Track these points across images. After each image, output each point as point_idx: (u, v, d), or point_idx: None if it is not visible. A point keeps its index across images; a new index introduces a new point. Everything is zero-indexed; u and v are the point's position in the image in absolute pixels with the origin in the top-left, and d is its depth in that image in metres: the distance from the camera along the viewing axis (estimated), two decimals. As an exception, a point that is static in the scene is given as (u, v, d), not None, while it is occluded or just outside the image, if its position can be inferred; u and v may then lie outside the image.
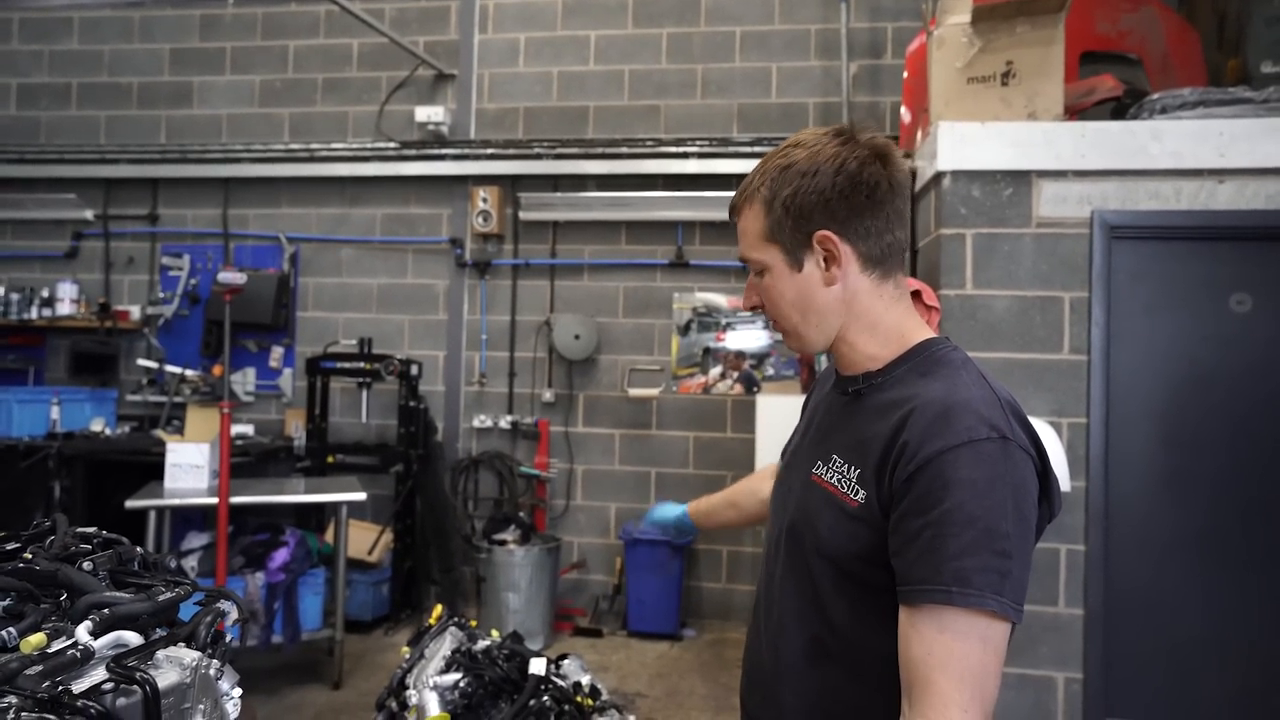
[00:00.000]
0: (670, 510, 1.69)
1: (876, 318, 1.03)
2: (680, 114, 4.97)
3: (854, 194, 0.99)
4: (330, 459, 4.74)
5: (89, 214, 5.56)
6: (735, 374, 4.90)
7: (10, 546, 1.03)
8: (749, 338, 4.90)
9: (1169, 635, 2.74)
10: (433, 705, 1.88)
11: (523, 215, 5.03)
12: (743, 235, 1.07)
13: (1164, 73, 3.32)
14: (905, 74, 3.85)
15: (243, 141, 5.39)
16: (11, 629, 0.87)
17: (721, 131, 4.89)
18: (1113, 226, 2.71)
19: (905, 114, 3.81)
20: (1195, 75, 3.31)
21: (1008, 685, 2.64)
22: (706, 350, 4.92)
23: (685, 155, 4.83)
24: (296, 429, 4.97)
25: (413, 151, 5.12)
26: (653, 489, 4.92)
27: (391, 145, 5.15)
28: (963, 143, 2.70)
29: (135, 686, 0.84)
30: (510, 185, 5.07)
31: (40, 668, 0.81)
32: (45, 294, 5.47)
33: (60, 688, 0.78)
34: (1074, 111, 2.93)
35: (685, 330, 4.92)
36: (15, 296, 5.48)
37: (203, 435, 4.52)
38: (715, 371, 4.90)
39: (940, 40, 2.83)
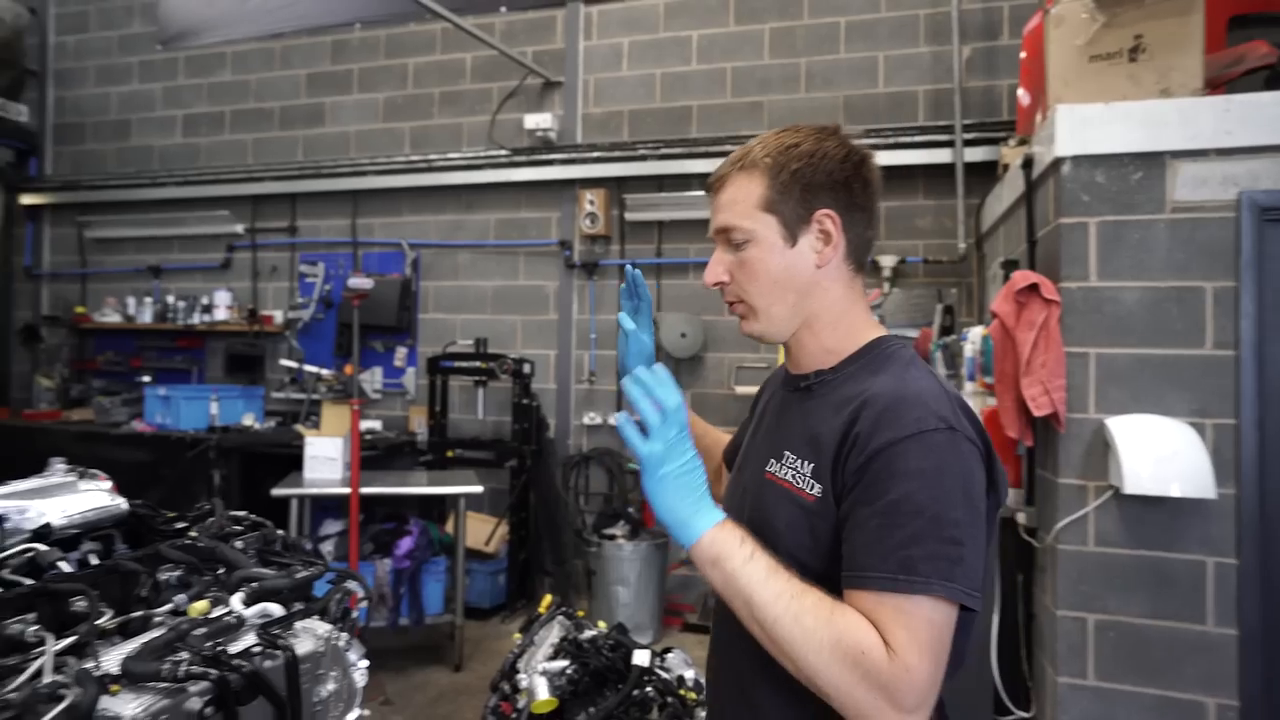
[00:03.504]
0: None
1: (843, 310, 1.05)
2: (784, 109, 4.91)
3: (855, 182, 1.02)
4: (450, 453, 5.00)
5: (240, 228, 6.12)
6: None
7: (179, 526, 1.18)
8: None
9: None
10: (541, 690, 1.97)
11: (628, 216, 5.12)
12: (730, 204, 1.04)
13: (1328, 35, 2.99)
14: (1023, 54, 3.65)
15: (368, 156, 5.77)
16: (182, 595, 1.01)
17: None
18: (1264, 208, 2.47)
19: (1023, 96, 3.61)
20: (1366, 35, 2.96)
21: (1147, 707, 2.47)
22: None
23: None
24: (419, 425, 5.28)
25: (523, 158, 5.32)
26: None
27: (503, 153, 5.37)
28: (1084, 125, 2.54)
29: (279, 651, 0.95)
30: (616, 187, 5.18)
31: (205, 630, 0.93)
32: (205, 301, 6.07)
33: (219, 648, 0.90)
34: (1218, 84, 2.69)
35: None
36: (181, 304, 6.12)
37: (337, 430, 4.88)
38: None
39: (1058, 18, 2.67)
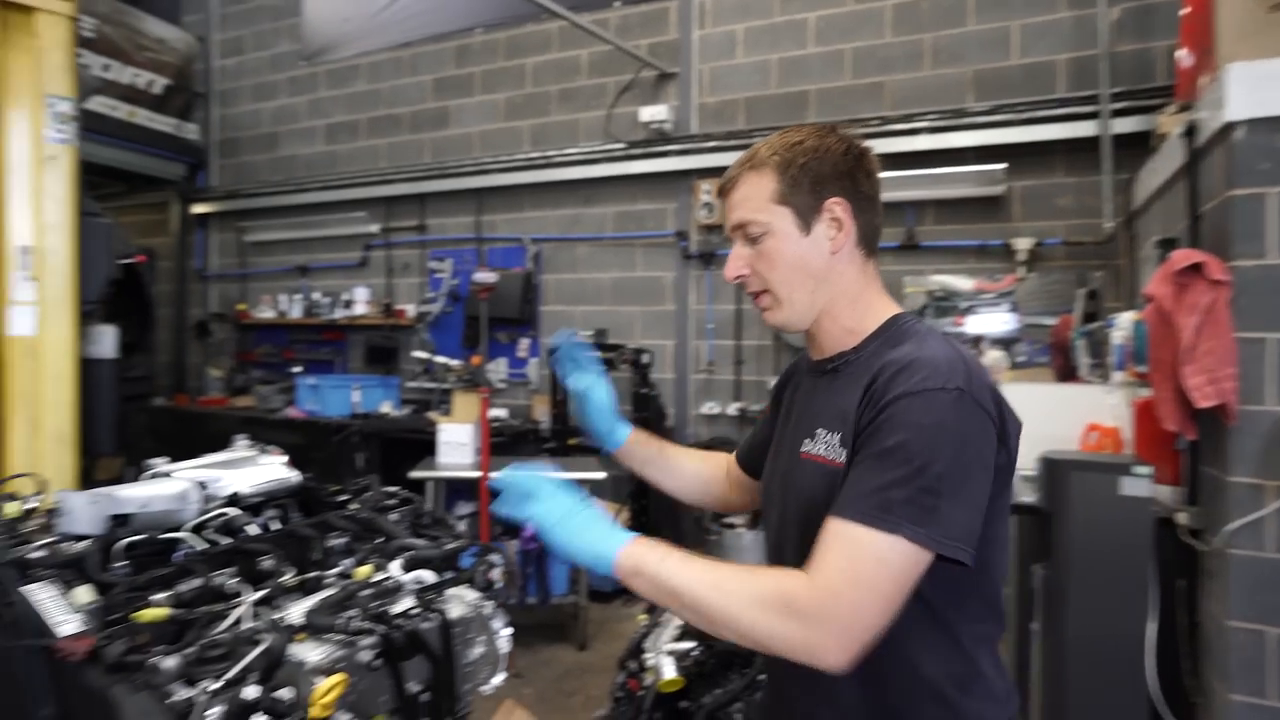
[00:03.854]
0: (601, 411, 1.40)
1: (859, 292, 1.12)
2: (907, 88, 4.72)
3: (858, 172, 1.10)
4: (571, 441, 5.15)
5: (375, 228, 6.53)
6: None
7: (342, 498, 1.29)
8: (993, 321, 4.54)
9: None
10: (668, 669, 2.01)
11: (744, 204, 5.07)
12: (744, 201, 1.11)
13: None
14: (1184, 10, 3.33)
15: (491, 154, 6.01)
16: (349, 560, 1.10)
17: (954, 103, 4.57)
18: None
19: (1184, 57, 3.30)
20: None
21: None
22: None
23: (914, 131, 4.58)
24: (542, 413, 5.47)
25: (639, 151, 5.38)
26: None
27: (619, 146, 5.45)
28: (1262, 84, 2.28)
29: (434, 614, 1.02)
30: (731, 175, 5.14)
31: (369, 592, 1.02)
32: (345, 297, 6.53)
33: (383, 608, 0.98)
34: None
35: (920, 316, 4.68)
36: (326, 300, 6.60)
37: (466, 417, 5.13)
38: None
39: (1228, -34, 2.42)
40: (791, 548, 1.09)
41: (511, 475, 1.04)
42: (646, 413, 4.91)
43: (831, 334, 1.13)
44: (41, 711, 0.80)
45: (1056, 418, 3.76)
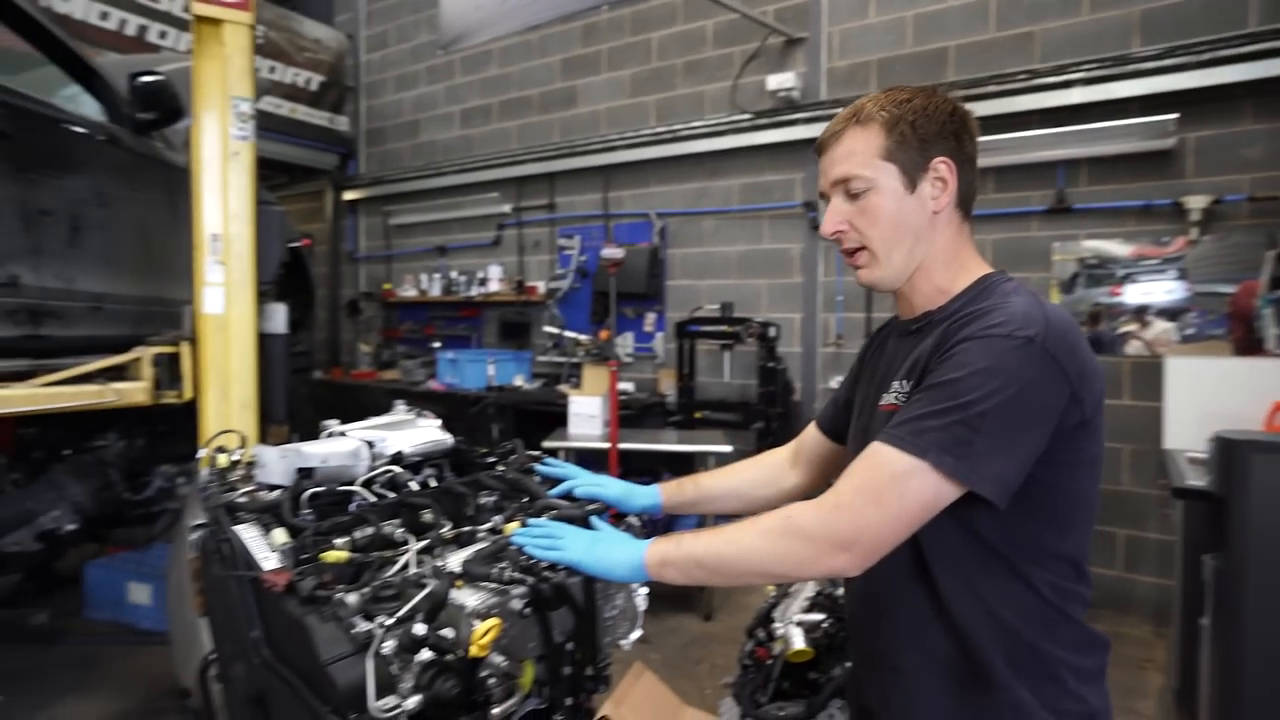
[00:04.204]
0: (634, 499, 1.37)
1: (954, 253, 1.13)
2: (1060, 37, 4.35)
3: (963, 133, 1.12)
4: (697, 414, 5.19)
5: (507, 208, 6.80)
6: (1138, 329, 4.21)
7: (490, 460, 1.39)
8: (1156, 290, 4.14)
9: None
10: (797, 639, 2.02)
11: (876, 171, 4.88)
12: (848, 156, 1.11)
13: None
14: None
15: (617, 131, 6.08)
16: (498, 517, 1.19)
17: (1116, 49, 4.17)
18: None
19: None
20: None
21: None
22: (1095, 307, 4.29)
23: (1068, 84, 4.22)
24: (668, 387, 5.54)
25: (765, 120, 5.28)
26: (1025, 458, 4.49)
27: (745, 117, 5.37)
28: None
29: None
30: (862, 141, 4.95)
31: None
32: (480, 275, 6.85)
33: (532, 563, 1.05)
34: None
35: (1069, 286, 4.35)
36: (462, 278, 6.96)
37: (595, 390, 5.29)
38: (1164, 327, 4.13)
39: None
40: None
41: (529, 530, 1.11)
42: (772, 386, 4.87)
43: (923, 293, 1.14)
44: (252, 632, 0.93)
45: (1234, 394, 3.42)
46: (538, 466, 1.37)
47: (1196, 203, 3.94)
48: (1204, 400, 3.53)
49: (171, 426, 3.52)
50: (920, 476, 0.95)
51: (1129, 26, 4.16)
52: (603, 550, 1.07)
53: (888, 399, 1.12)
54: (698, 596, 4.26)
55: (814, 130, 5.05)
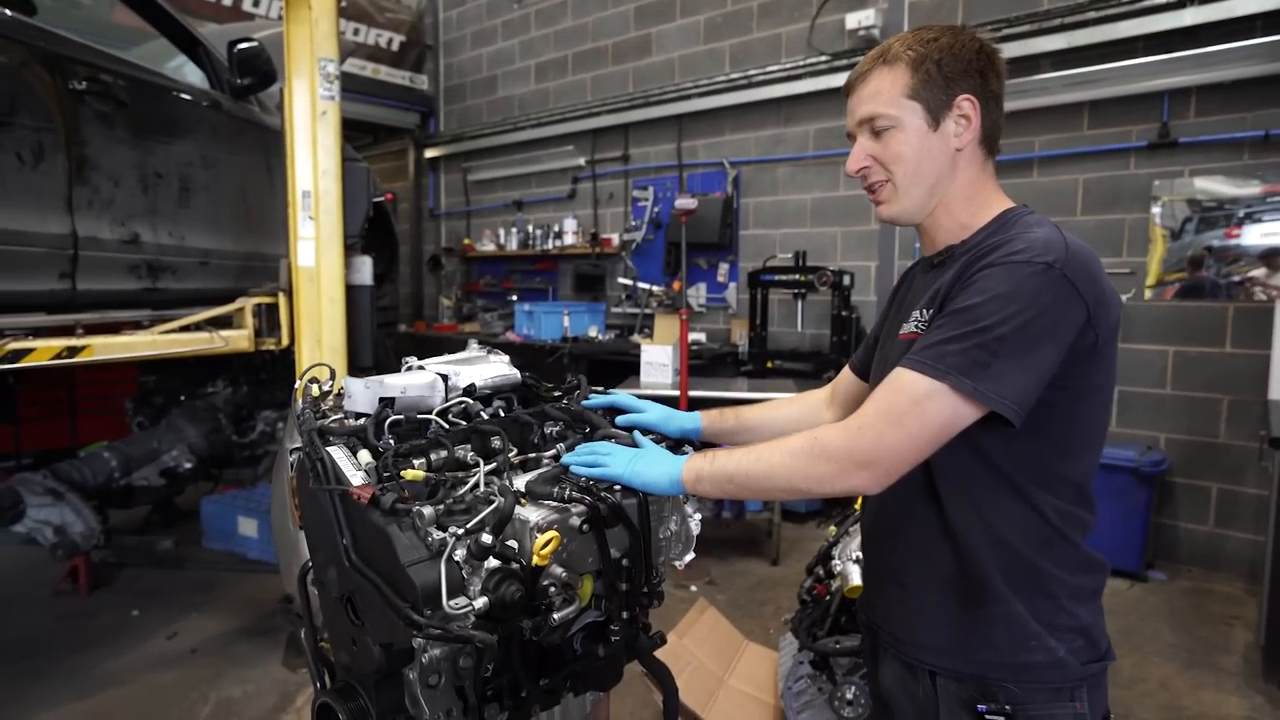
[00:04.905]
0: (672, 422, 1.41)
1: (978, 189, 1.16)
2: (1170, -46, 4.02)
3: (989, 71, 1.13)
4: (769, 364, 5.20)
5: (582, 160, 6.85)
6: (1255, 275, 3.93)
7: (556, 394, 1.48)
8: (1275, 231, 3.82)
9: None
10: (855, 577, 2.07)
11: (960, 111, 4.67)
12: (874, 96, 1.14)
13: None
14: None
15: (691, 80, 6.01)
16: (561, 445, 1.28)
17: (1234, -36, 3.82)
18: None
19: None
20: None
21: None
22: (1208, 251, 4.00)
23: (1181, 3, 3.91)
24: (740, 337, 5.55)
25: (843, 62, 5.12)
26: (1115, 408, 4.32)
27: (822, 59, 5.21)
28: None
29: (634, 492, 1.16)
30: (946, 80, 4.74)
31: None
32: (556, 229, 6.96)
33: (591, 484, 1.13)
34: None
35: (1179, 233, 4.07)
36: (539, 232, 7.10)
37: (666, 339, 5.35)
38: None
39: None
40: None
41: (576, 452, 1.19)
42: (845, 335, 4.82)
43: (945, 228, 1.17)
44: (342, 539, 1.05)
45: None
46: (586, 401, 1.44)
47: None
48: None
49: (271, 375, 3.80)
50: (939, 398, 0.99)
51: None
52: (643, 465, 1.14)
53: (907, 328, 1.16)
54: (766, 542, 4.33)
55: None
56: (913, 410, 1.00)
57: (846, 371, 1.46)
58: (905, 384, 1.02)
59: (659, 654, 1.30)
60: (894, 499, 1.14)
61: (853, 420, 1.04)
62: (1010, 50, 4.42)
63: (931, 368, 1.00)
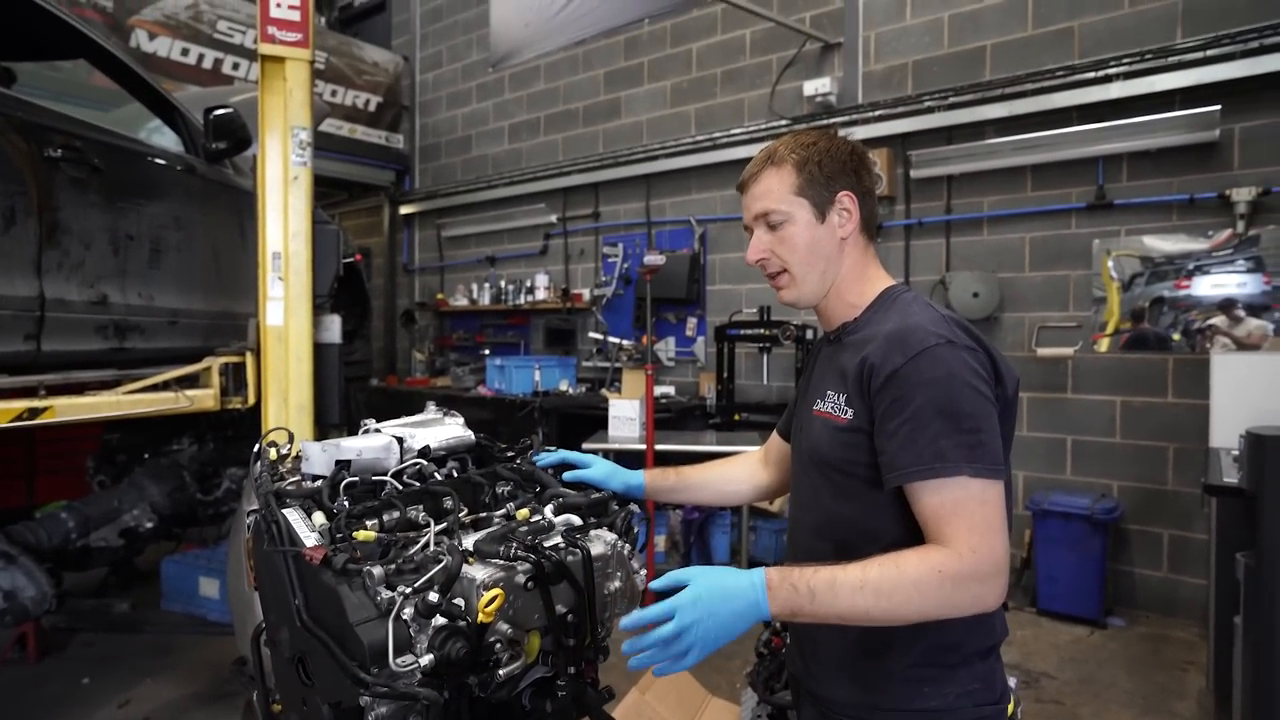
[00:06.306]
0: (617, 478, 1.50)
1: (861, 271, 1.30)
2: (1099, 32, 4.31)
3: (861, 168, 1.29)
4: (736, 416, 5.28)
5: (553, 218, 7.01)
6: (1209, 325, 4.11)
7: (509, 454, 1.53)
8: (1229, 283, 3.98)
9: None
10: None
11: (914, 173, 4.90)
12: (766, 194, 1.28)
13: None
14: None
15: (659, 141, 6.23)
16: (511, 504, 1.33)
17: (1158, 40, 4.12)
18: None
19: None
20: None
21: None
22: (1159, 301, 4.19)
23: (1107, 79, 4.19)
24: (709, 390, 5.64)
25: (802, 126, 5.35)
26: (1069, 457, 4.44)
27: (783, 122, 5.44)
28: None
29: (578, 550, 1.21)
30: (900, 144, 4.98)
31: (526, 529, 1.23)
32: (528, 284, 7.07)
33: (536, 542, 1.18)
34: None
35: (1128, 285, 4.26)
36: (511, 287, 7.20)
37: (635, 393, 5.42)
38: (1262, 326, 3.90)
39: None
40: (807, 483, 1.31)
41: (649, 657, 1.10)
42: (811, 389, 4.91)
43: (837, 309, 1.31)
44: (295, 600, 1.09)
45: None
46: (538, 458, 1.49)
47: (1243, 194, 3.86)
48: (1252, 398, 3.45)
49: (237, 432, 3.80)
50: (978, 487, 1.07)
51: (1171, 18, 4.11)
52: (718, 620, 1.07)
53: (821, 405, 1.26)
54: (736, 595, 4.34)
55: (851, 133, 5.10)
56: (987, 509, 1.07)
57: (775, 436, 1.57)
58: (960, 491, 1.07)
59: (619, 709, 1.35)
60: (810, 559, 1.19)
61: (954, 543, 1.06)
62: (958, 116, 4.68)
63: (947, 468, 1.07)
